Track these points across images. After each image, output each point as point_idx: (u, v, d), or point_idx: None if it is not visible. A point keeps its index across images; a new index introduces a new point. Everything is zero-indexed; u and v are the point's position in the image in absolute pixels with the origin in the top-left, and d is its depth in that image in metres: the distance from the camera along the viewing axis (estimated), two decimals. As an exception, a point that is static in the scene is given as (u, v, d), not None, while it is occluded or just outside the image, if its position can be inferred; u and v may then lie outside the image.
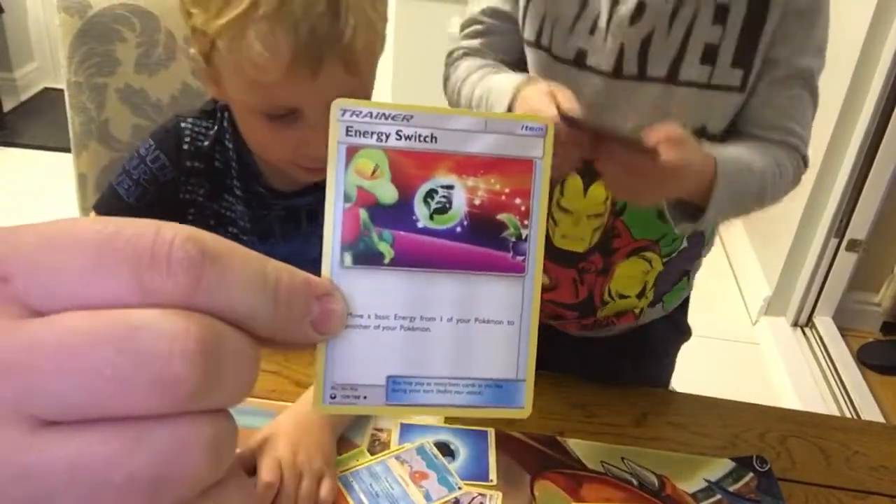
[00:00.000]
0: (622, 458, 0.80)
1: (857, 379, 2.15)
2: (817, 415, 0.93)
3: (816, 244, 2.23)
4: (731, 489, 0.79)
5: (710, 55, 0.73)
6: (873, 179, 2.10)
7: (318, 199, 0.91)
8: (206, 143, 0.90)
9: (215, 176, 0.91)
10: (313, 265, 0.97)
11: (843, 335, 2.30)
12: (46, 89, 3.41)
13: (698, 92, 0.75)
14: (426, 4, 3.10)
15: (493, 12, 0.84)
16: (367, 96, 0.80)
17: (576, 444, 0.81)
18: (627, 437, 0.82)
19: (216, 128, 0.90)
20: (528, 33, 0.80)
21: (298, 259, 0.96)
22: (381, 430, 0.81)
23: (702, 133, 0.76)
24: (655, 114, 0.75)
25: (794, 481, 0.81)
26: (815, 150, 2.44)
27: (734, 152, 0.72)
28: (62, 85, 1.10)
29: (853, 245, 2.20)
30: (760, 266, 2.47)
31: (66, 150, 1.14)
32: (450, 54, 0.88)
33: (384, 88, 3.34)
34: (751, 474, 0.81)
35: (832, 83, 2.09)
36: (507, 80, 0.75)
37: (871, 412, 2.04)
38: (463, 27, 0.87)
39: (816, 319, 2.34)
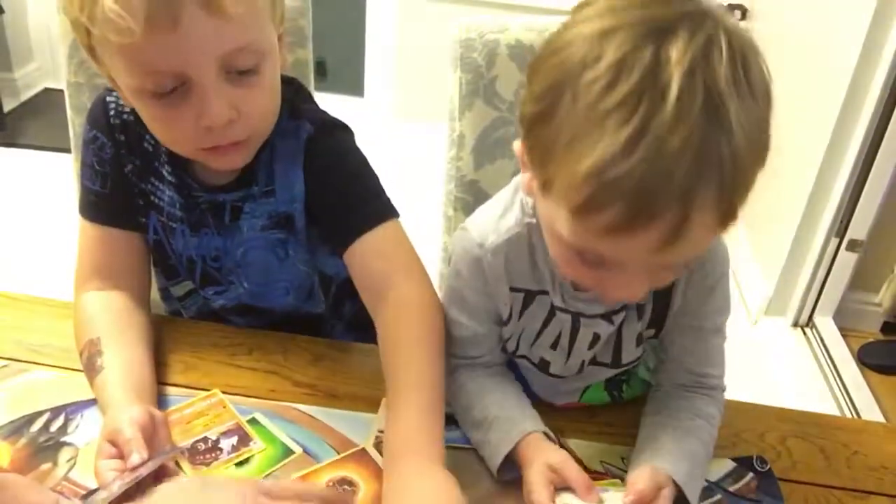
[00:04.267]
0: (622, 458, 0.80)
1: (857, 379, 2.15)
2: (817, 415, 0.93)
3: (816, 244, 2.23)
4: (731, 489, 0.79)
5: (639, 340, 0.81)
6: (874, 179, 2.09)
7: (244, 198, 0.88)
8: (132, 117, 0.86)
9: (143, 155, 0.88)
10: (236, 264, 0.98)
11: (843, 335, 2.30)
12: (46, 89, 3.41)
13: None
14: (426, 4, 3.10)
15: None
16: (252, 43, 0.73)
17: (576, 444, 0.81)
18: (627, 438, 0.82)
19: None
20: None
21: (225, 258, 0.96)
22: (384, 431, 0.81)
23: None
24: (600, 381, 0.86)
25: (794, 481, 0.81)
26: (815, 150, 2.44)
27: (688, 468, 0.74)
28: (62, 85, 1.10)
29: (853, 245, 2.20)
30: (760, 266, 2.47)
31: (66, 150, 1.14)
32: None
33: (385, 87, 3.34)
34: (751, 474, 0.81)
35: (832, 83, 2.09)
36: (515, 422, 0.77)
37: (871, 412, 2.04)
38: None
39: (817, 319, 2.34)
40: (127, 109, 0.87)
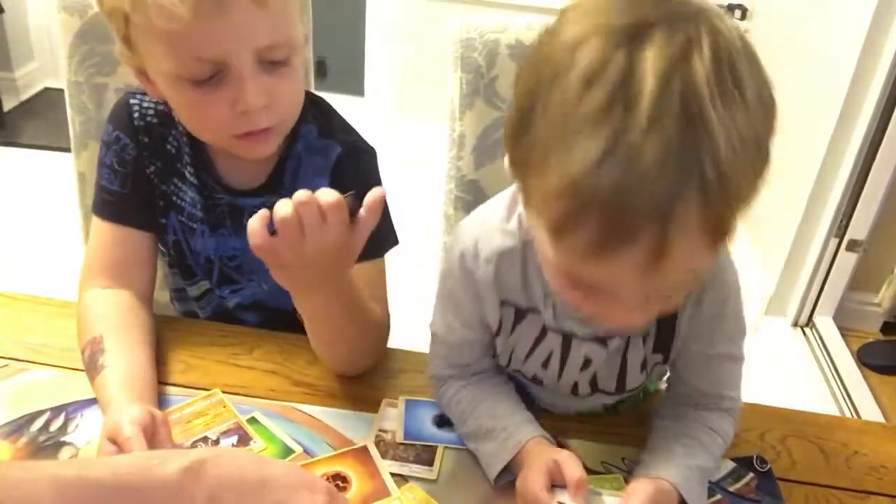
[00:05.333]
0: (622, 458, 0.80)
1: (857, 379, 2.15)
2: (817, 415, 0.93)
3: (816, 244, 2.23)
4: (731, 489, 0.79)
5: (644, 365, 0.79)
6: (873, 179, 2.09)
7: (265, 204, 0.90)
8: (155, 119, 0.90)
9: (166, 157, 0.91)
10: (258, 266, 0.99)
11: (843, 335, 2.30)
12: (46, 89, 3.41)
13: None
14: (427, 4, 3.10)
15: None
16: (287, 36, 0.77)
17: (576, 445, 0.81)
18: (627, 437, 0.82)
19: (164, 106, 0.89)
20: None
21: (243, 256, 0.97)
22: (385, 431, 0.81)
23: None
24: (601, 403, 0.85)
25: (794, 481, 0.81)
26: (815, 150, 2.43)
27: (696, 484, 0.74)
28: (62, 85, 1.10)
29: (853, 245, 2.20)
30: (760, 266, 2.47)
31: (66, 149, 1.14)
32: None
33: (385, 87, 3.33)
34: (751, 474, 0.81)
35: (832, 83, 2.09)
36: (509, 432, 0.76)
37: (871, 412, 2.04)
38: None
39: (816, 319, 2.34)
40: (150, 112, 0.90)
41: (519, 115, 0.57)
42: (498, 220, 0.76)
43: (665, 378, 0.86)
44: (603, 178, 0.50)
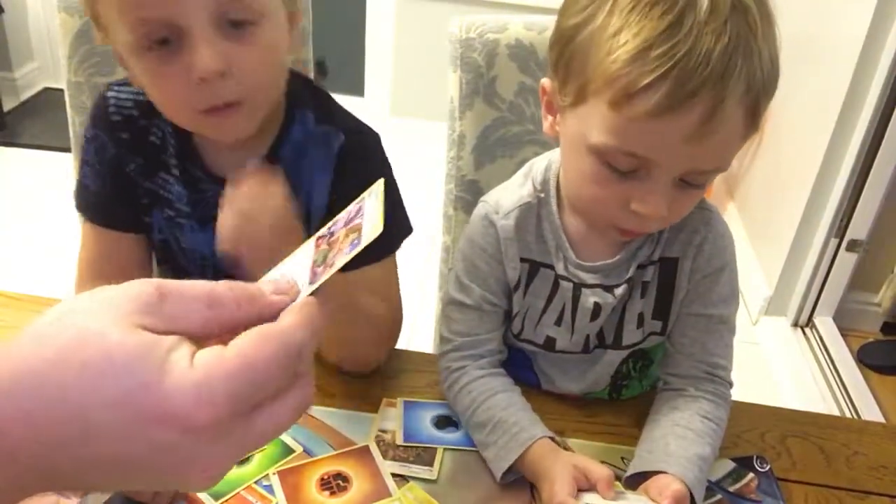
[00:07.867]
0: (622, 458, 0.80)
1: (857, 379, 2.15)
2: (817, 415, 0.93)
3: (816, 244, 2.23)
4: (731, 489, 0.79)
5: (640, 320, 0.84)
6: (873, 179, 2.09)
7: None
8: (135, 111, 0.85)
9: (150, 151, 0.86)
10: None
11: (843, 335, 2.30)
12: (46, 89, 3.41)
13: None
14: (426, 4, 3.10)
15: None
16: (257, 4, 0.72)
17: (576, 444, 0.81)
18: (627, 437, 0.82)
19: (144, 95, 0.82)
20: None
21: None
22: (385, 431, 0.81)
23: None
24: (605, 369, 0.87)
25: (794, 481, 0.81)
26: (815, 150, 2.42)
27: (697, 472, 0.74)
28: (62, 85, 1.10)
29: (853, 245, 2.20)
30: (760, 266, 2.47)
31: (66, 150, 1.14)
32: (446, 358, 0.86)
33: (385, 86, 3.34)
34: (751, 474, 0.81)
35: (832, 83, 2.09)
36: (522, 426, 0.77)
37: (871, 412, 2.04)
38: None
39: (816, 319, 2.34)
40: (129, 104, 0.85)
41: (584, 14, 0.66)
42: (516, 185, 0.84)
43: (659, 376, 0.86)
44: (674, 42, 0.61)
